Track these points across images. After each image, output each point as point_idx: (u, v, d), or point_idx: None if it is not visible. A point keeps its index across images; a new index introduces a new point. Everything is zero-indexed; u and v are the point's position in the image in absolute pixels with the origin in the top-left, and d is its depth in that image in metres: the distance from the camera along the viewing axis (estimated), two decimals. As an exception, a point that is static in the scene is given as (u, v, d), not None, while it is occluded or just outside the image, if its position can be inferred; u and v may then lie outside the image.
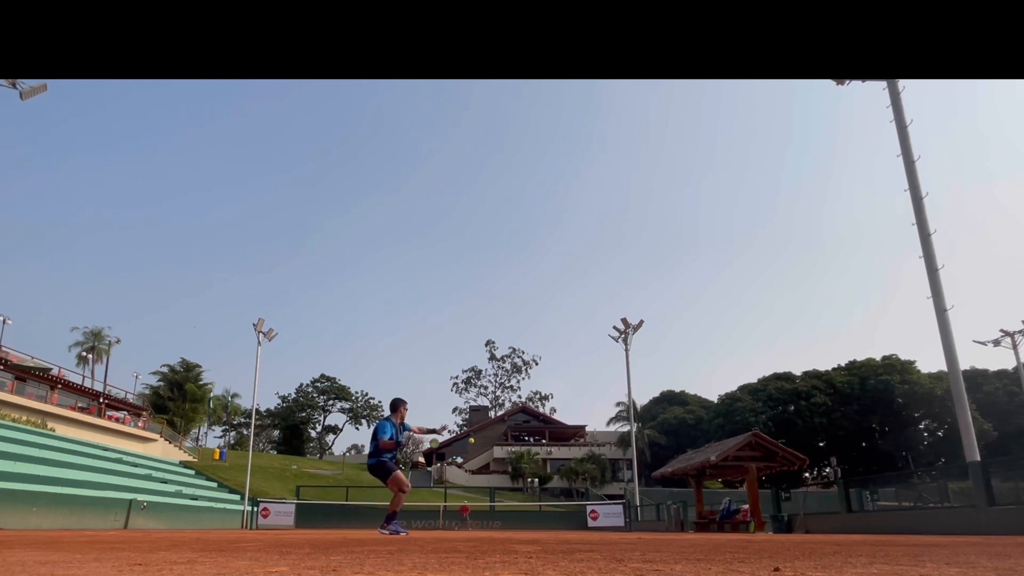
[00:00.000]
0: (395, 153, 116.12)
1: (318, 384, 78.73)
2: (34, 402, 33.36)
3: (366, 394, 79.84)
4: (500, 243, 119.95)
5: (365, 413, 79.43)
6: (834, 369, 54.12)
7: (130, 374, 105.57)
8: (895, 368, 50.96)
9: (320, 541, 5.88)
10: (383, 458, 8.43)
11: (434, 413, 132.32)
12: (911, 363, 51.57)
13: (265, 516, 28.15)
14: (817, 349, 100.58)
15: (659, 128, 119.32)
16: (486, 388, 78.79)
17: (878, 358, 53.04)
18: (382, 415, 70.36)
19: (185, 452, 47.79)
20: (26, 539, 6.00)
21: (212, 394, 60.28)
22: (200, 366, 58.64)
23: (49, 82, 17.43)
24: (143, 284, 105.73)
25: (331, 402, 79.38)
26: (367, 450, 8.63)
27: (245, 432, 69.63)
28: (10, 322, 39.78)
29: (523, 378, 78.58)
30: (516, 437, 63.50)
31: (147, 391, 55.65)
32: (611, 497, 43.95)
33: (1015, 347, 30.97)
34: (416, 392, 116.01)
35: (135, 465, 30.50)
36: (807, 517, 20.14)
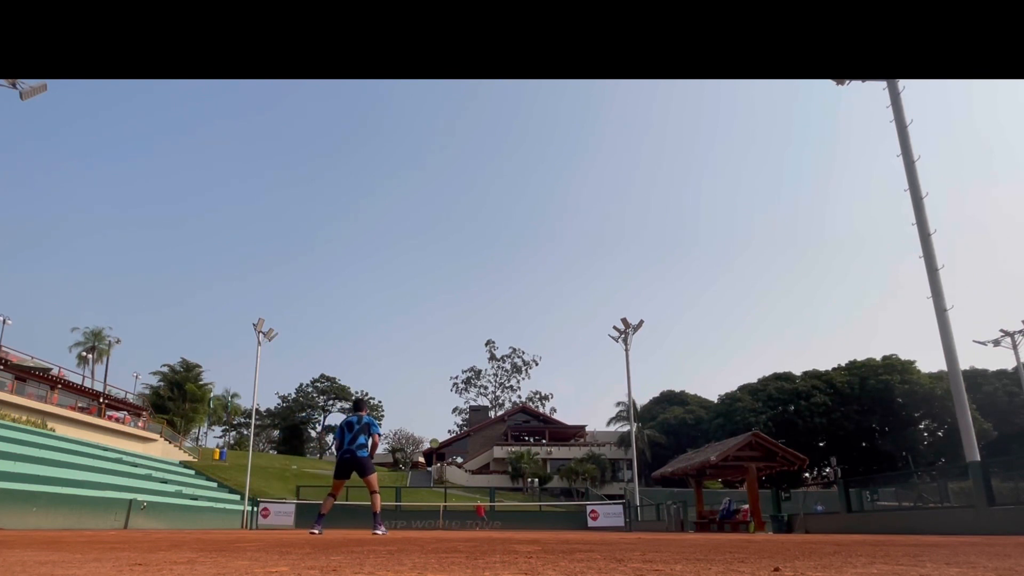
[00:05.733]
0: (395, 153, 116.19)
1: (318, 384, 78.75)
2: (34, 402, 33.36)
3: (366, 394, 79.86)
4: (500, 243, 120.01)
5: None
6: (834, 369, 54.09)
7: (130, 374, 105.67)
8: (895, 368, 50.94)
9: (320, 541, 5.88)
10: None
11: (434, 413, 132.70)
12: (911, 363, 51.55)
13: (265, 516, 28.15)
14: (817, 349, 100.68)
15: (659, 128, 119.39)
16: (486, 388, 78.87)
17: (878, 358, 53.02)
18: (381, 415, 69.66)
19: (185, 452, 47.78)
20: (26, 539, 6.00)
21: (212, 394, 60.26)
22: (200, 366, 58.65)
23: (49, 82, 17.45)
24: (143, 284, 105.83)
25: (331, 402, 79.41)
26: (351, 439, 8.58)
27: (245, 432, 69.65)
28: (10, 322, 39.83)
29: (523, 378, 78.70)
30: (516, 437, 63.47)
31: (147, 391, 55.65)
32: (611, 497, 43.94)
33: (1015, 347, 30.97)
34: (416, 392, 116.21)
35: (135, 465, 30.49)
36: (807, 517, 20.15)
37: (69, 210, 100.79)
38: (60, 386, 38.49)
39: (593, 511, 30.52)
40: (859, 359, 54.02)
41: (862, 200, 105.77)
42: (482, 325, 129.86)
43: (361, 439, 8.53)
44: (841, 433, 50.24)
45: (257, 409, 42.82)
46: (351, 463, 8.51)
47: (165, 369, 57.25)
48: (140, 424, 42.73)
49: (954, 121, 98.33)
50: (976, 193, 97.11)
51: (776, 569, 2.48)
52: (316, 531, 8.30)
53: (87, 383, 45.84)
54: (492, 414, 72.99)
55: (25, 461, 20.39)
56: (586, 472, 52.73)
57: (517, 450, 56.49)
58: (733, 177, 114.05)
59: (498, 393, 78.37)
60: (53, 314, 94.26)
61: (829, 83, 17.23)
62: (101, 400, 42.15)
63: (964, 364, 15.88)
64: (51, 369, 38.81)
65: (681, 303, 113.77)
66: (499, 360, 78.58)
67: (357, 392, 79.41)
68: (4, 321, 38.89)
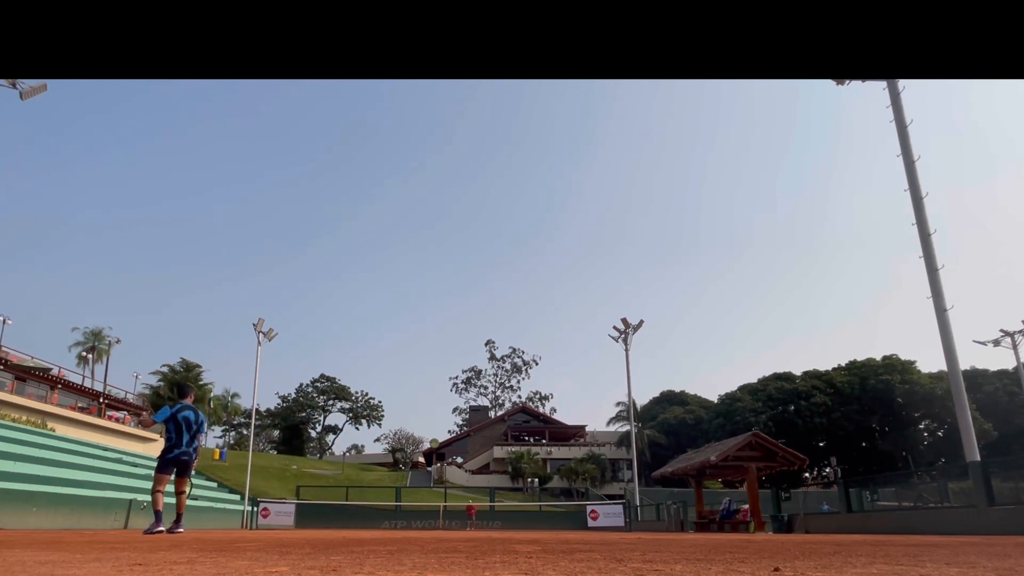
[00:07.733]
0: (395, 153, 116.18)
1: (318, 384, 78.68)
2: (34, 402, 33.34)
3: (366, 394, 79.92)
4: (500, 243, 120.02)
5: (365, 413, 79.43)
6: (834, 369, 54.10)
7: (130, 374, 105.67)
8: (895, 368, 50.94)
9: (320, 541, 5.88)
10: None
11: (435, 413, 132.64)
12: (911, 363, 51.55)
13: (265, 516, 28.15)
14: (817, 349, 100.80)
15: (659, 128, 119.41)
16: (486, 388, 78.93)
17: (878, 358, 53.02)
18: (381, 415, 68.28)
19: (185, 452, 47.65)
20: (26, 539, 6.00)
21: (212, 394, 60.15)
22: (200, 366, 58.50)
23: (50, 82, 17.43)
24: (143, 284, 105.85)
25: (331, 402, 79.36)
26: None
27: (245, 432, 69.61)
28: (10, 322, 39.77)
29: (523, 378, 78.76)
30: (516, 437, 63.47)
31: (147, 391, 55.58)
32: (611, 497, 43.93)
33: (1015, 347, 30.97)
34: (416, 392, 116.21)
35: (135, 465, 30.46)
36: (807, 517, 20.15)
37: (69, 210, 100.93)
38: (60, 386, 38.48)
39: (593, 511, 30.50)
40: (859, 359, 54.05)
41: (862, 200, 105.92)
42: (482, 325, 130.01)
43: (195, 443, 8.53)
44: (841, 433, 50.24)
45: (257, 409, 42.83)
46: (189, 464, 8.52)
47: (165, 369, 57.20)
48: (140, 424, 42.70)
49: (954, 121, 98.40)
50: (976, 193, 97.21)
51: (776, 569, 2.48)
52: (168, 529, 7.91)
53: (87, 383, 45.82)
54: (492, 414, 73.00)
55: (25, 461, 20.37)
56: (586, 472, 52.72)
57: (517, 450, 56.47)
58: (733, 177, 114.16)
59: (498, 393, 78.48)
60: (53, 314, 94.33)
61: (829, 83, 17.22)
62: (101, 400, 42.13)
63: (964, 364, 15.89)
64: (51, 369, 38.79)
65: (681, 303, 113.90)
66: (499, 360, 78.68)
67: (357, 392, 79.40)
68: (4, 321, 38.87)
